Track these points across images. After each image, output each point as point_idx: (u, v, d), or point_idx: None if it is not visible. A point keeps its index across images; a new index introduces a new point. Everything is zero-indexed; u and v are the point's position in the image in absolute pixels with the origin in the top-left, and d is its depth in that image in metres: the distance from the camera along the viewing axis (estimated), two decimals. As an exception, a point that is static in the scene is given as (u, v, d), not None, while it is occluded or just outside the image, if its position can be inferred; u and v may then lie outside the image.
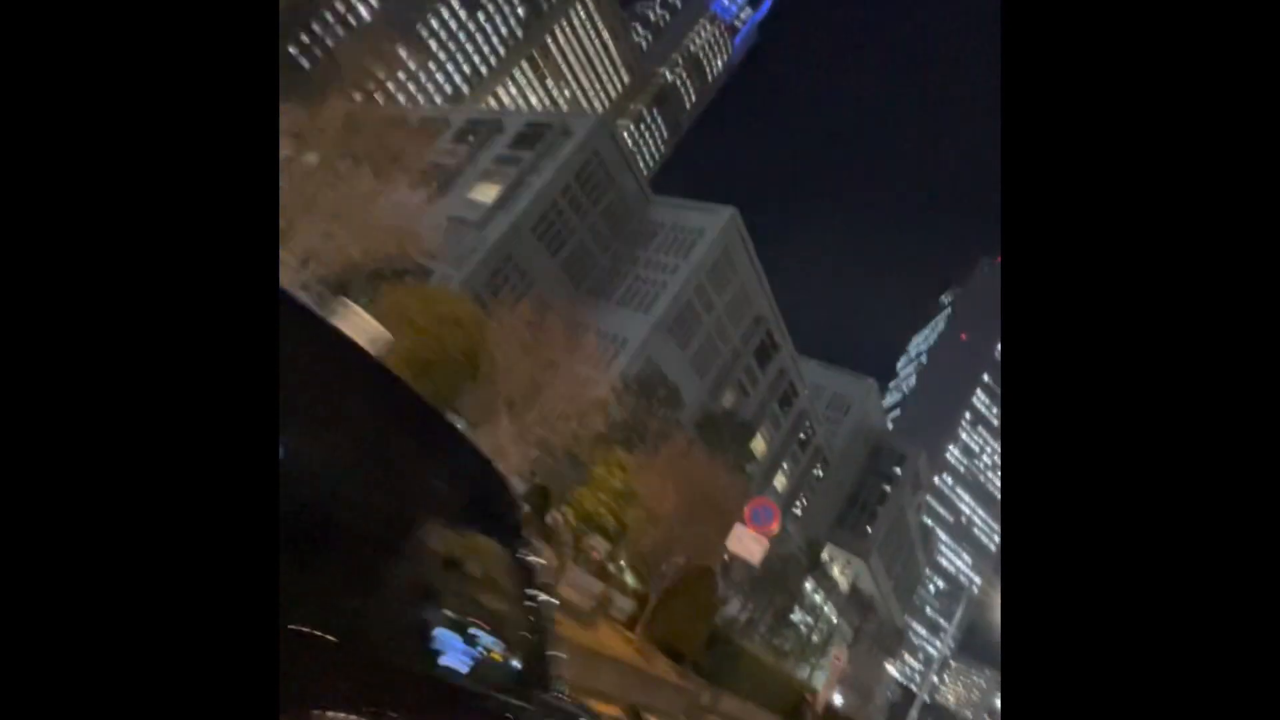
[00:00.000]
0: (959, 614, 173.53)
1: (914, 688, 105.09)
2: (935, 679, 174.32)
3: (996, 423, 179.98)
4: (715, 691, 12.92)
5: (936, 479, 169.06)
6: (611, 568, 13.39)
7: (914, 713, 62.31)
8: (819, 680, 42.32)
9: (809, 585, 56.95)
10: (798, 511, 48.10)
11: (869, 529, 54.08)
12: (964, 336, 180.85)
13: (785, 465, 46.71)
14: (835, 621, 57.20)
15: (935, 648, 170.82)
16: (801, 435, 47.59)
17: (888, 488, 56.57)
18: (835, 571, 54.85)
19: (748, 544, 10.86)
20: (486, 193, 37.92)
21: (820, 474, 50.07)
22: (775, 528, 11.40)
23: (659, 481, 14.60)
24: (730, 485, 18.57)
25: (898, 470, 56.48)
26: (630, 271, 38.65)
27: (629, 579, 14.89)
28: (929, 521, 78.96)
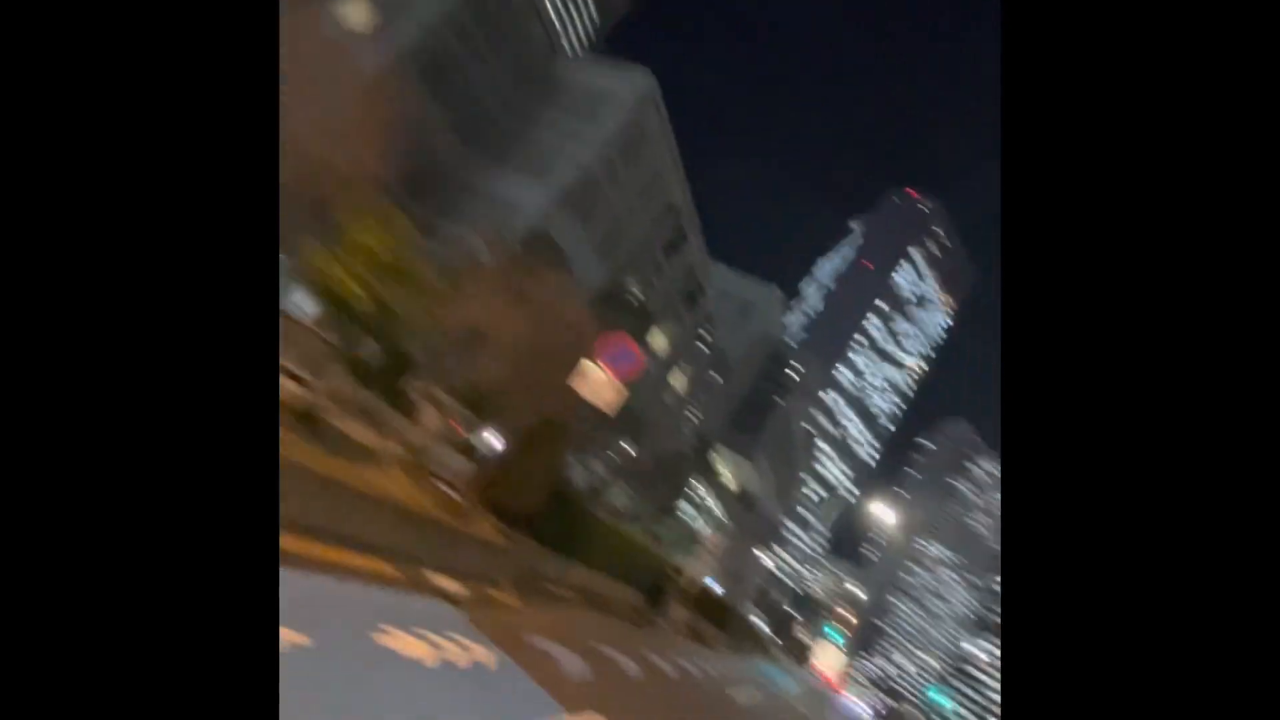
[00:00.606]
0: (834, 517, 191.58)
1: (785, 578, 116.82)
2: (805, 571, 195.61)
3: (885, 346, 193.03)
4: (561, 561, 11.41)
5: (824, 394, 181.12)
6: (435, 413, 11.05)
7: (783, 601, 68.17)
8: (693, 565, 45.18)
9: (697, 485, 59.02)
10: (693, 414, 48.32)
11: (758, 432, 55.95)
12: (868, 264, 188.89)
13: (684, 364, 46.19)
14: (718, 514, 60.11)
15: (806, 544, 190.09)
16: (702, 334, 46.91)
17: (780, 399, 58.37)
18: (722, 470, 56.75)
19: (600, 387, 8.95)
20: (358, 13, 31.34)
21: (717, 376, 50.27)
22: (634, 372, 9.56)
23: (502, 308, 11.51)
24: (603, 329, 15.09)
25: (794, 377, 58.14)
26: (531, 134, 34.27)
27: (464, 429, 12.58)
28: (812, 431, 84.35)
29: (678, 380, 44.08)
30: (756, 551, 66.68)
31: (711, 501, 57.72)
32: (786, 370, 58.36)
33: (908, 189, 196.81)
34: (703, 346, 47.39)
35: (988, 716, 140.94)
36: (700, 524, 57.91)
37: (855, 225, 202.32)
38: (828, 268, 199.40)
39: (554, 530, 10.69)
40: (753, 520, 62.02)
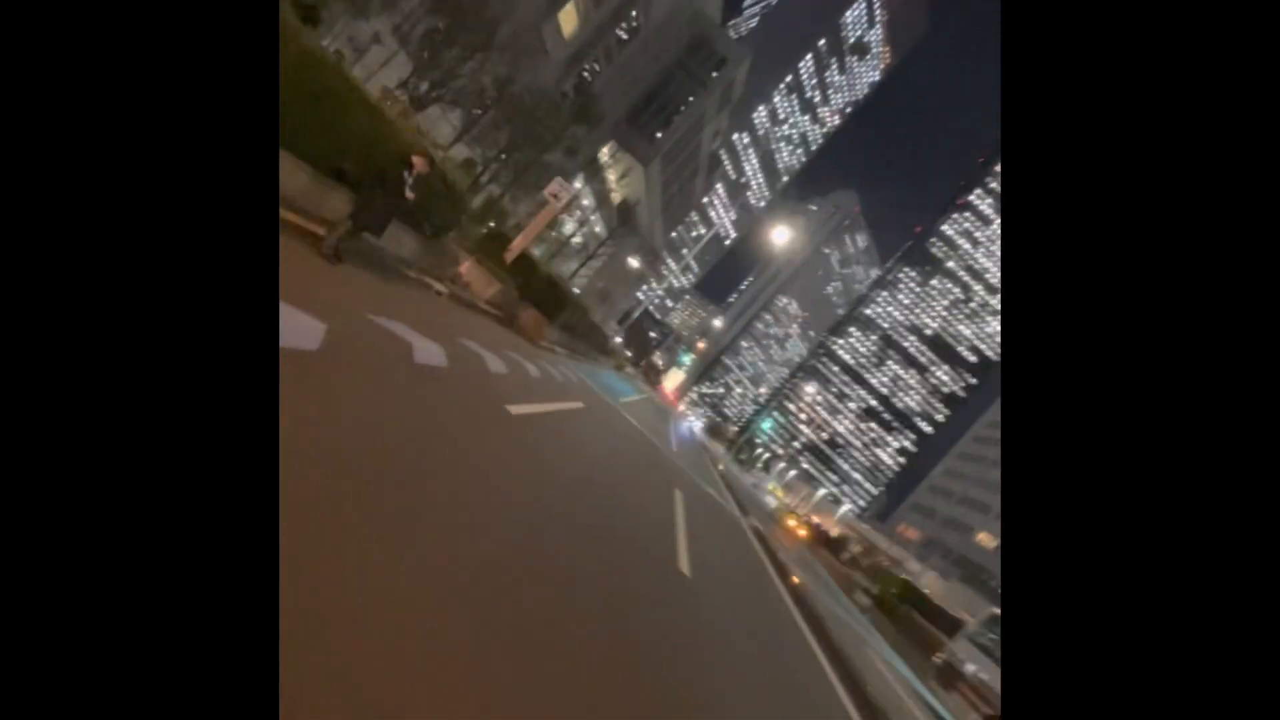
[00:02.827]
0: (712, 262, 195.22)
1: (649, 305, 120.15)
2: (670, 304, 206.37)
3: (810, 94, 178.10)
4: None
5: (735, 135, 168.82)
6: None
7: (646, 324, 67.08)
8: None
9: (579, 185, 50.32)
10: (587, 72, 36.86)
11: (659, 135, 46.46)
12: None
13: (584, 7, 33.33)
14: (593, 220, 53.43)
15: (678, 279, 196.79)
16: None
17: (692, 98, 47.63)
18: (610, 175, 48.10)
19: None
20: None
21: (624, 37, 38.07)
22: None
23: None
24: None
25: (714, 74, 47.04)
26: None
27: None
28: (723, 160, 75.88)
29: (568, 25, 31.83)
30: (629, 272, 62.72)
31: (590, 207, 50.12)
32: (709, 66, 46.87)
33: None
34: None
35: (796, 438, 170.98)
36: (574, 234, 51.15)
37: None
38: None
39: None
40: (635, 240, 56.26)
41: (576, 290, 49.46)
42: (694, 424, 74.10)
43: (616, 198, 52.49)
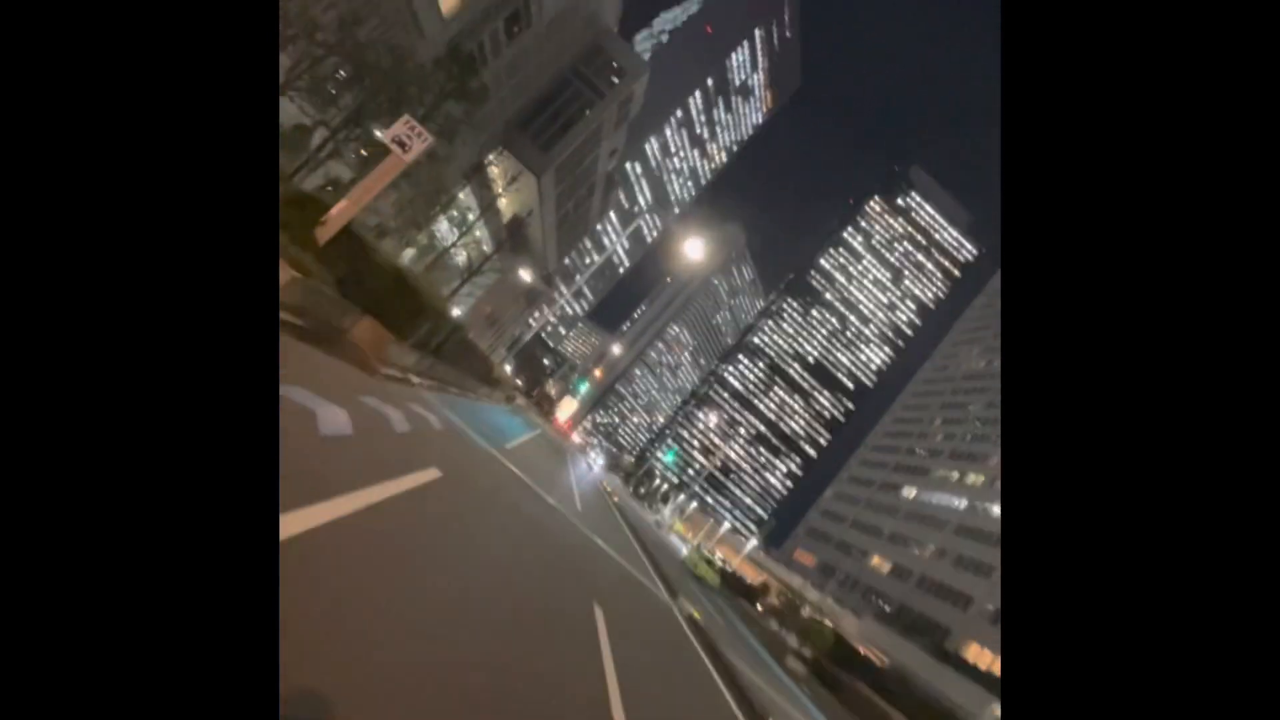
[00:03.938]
0: (604, 290, 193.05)
1: (542, 332, 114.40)
2: (564, 331, 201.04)
3: (699, 130, 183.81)
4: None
5: (628, 164, 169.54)
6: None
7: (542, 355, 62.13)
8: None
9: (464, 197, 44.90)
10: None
11: (556, 143, 42.44)
12: (709, 29, 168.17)
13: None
14: (479, 236, 48.00)
15: (572, 307, 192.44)
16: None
17: (589, 110, 44.34)
18: (497, 181, 43.19)
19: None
20: None
21: (515, 30, 33.86)
22: None
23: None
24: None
25: (613, 83, 44.03)
26: None
27: None
28: (620, 178, 72.53)
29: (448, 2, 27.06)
30: (521, 293, 57.59)
31: (476, 221, 44.75)
32: (606, 76, 43.96)
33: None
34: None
35: (689, 466, 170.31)
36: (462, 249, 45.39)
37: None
38: (666, 18, 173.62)
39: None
40: (525, 259, 51.36)
41: (458, 312, 43.53)
42: (594, 459, 69.41)
43: (506, 207, 47.51)
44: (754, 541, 70.10)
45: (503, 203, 47.24)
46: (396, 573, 3.65)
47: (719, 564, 31.99)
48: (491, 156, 40.95)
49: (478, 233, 50.24)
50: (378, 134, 17.42)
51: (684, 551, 33.41)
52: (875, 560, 78.64)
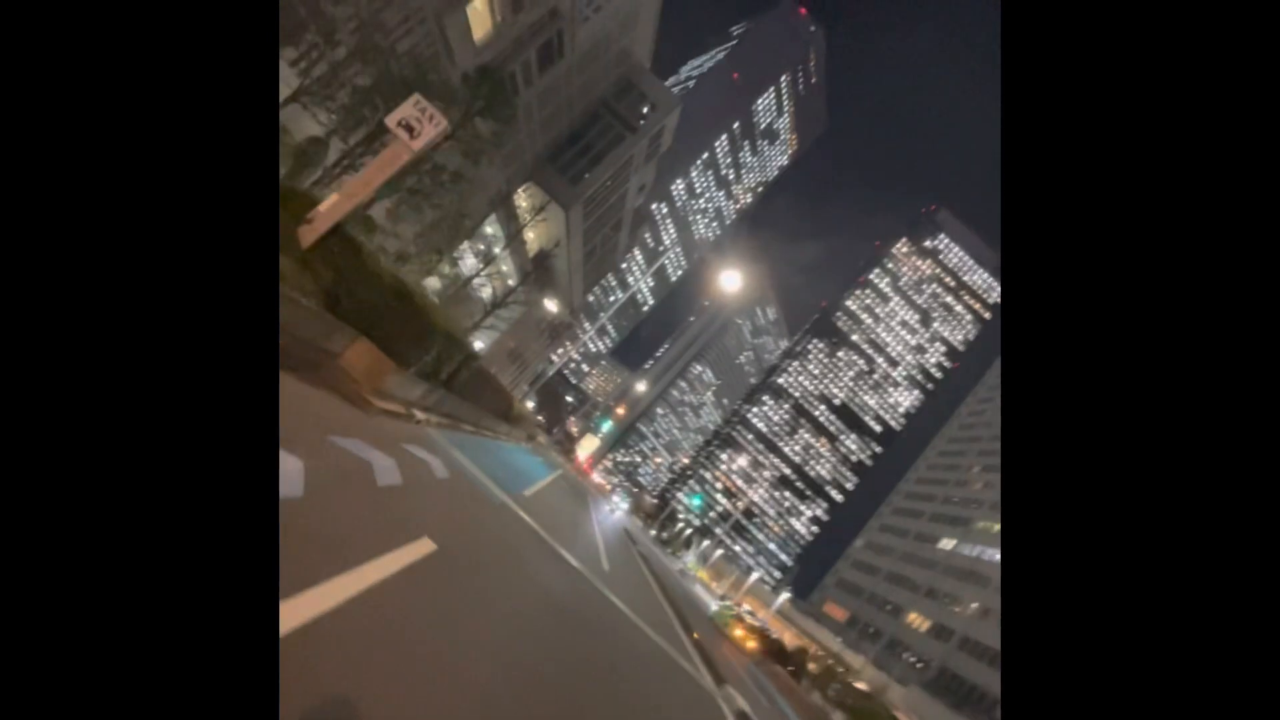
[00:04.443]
0: (628, 327, 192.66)
1: (564, 369, 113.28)
2: (586, 368, 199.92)
3: (725, 172, 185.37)
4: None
5: (654, 205, 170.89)
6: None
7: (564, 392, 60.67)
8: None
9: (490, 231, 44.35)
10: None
11: (585, 176, 41.82)
12: (735, 76, 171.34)
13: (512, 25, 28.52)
14: (505, 270, 47.17)
15: (595, 344, 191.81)
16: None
17: (619, 145, 43.82)
18: (524, 213, 42.52)
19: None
20: None
21: (546, 60, 33.51)
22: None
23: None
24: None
25: (645, 114, 43.57)
26: None
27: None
28: (651, 212, 71.98)
29: (480, 21, 26.69)
30: (545, 328, 56.46)
31: (501, 253, 43.99)
32: (638, 109, 43.61)
33: (800, 7, 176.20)
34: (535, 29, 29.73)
35: (713, 508, 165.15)
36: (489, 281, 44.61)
37: (737, 30, 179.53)
38: (693, 65, 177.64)
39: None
40: (546, 292, 50.35)
41: (480, 345, 42.28)
42: (617, 503, 66.76)
43: (532, 241, 46.77)
44: (785, 594, 65.89)
45: (529, 235, 46.56)
46: (408, 657, 1.85)
47: (753, 622, 29.18)
48: (520, 190, 40.36)
49: (503, 266, 49.55)
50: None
51: (713, 607, 30.66)
52: (912, 617, 73.53)
